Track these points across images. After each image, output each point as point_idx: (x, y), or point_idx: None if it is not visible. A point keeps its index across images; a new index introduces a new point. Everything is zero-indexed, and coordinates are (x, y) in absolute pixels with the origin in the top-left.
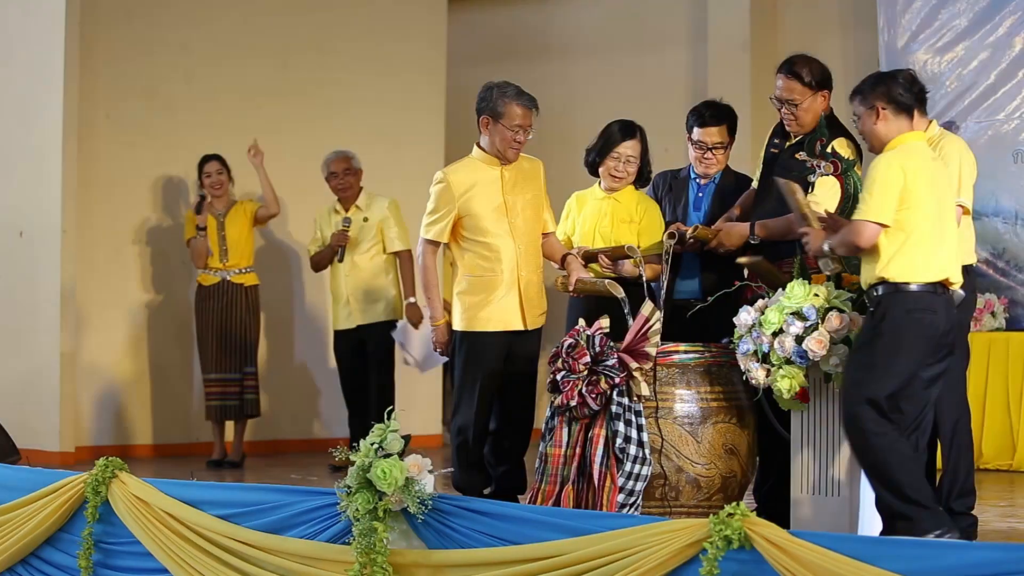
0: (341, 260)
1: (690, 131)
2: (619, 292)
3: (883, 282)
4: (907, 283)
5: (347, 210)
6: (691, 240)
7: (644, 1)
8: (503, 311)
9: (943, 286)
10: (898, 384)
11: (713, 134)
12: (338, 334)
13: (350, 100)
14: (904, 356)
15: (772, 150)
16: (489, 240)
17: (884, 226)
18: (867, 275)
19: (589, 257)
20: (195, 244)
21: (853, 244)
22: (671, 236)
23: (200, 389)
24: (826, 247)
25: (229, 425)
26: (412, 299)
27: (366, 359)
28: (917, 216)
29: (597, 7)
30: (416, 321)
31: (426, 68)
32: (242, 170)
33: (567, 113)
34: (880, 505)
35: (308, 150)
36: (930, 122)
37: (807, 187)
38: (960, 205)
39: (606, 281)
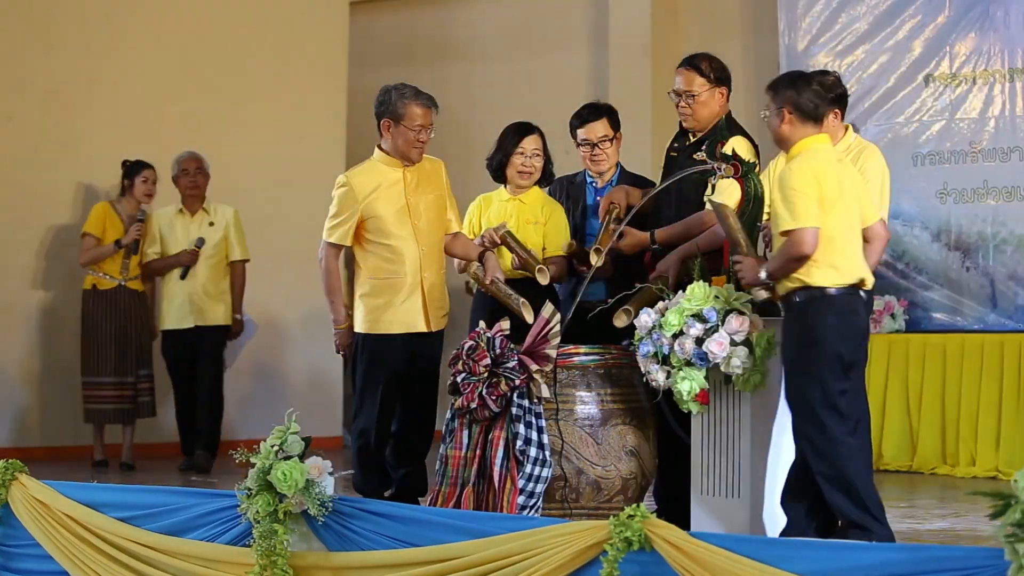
0: (184, 278)
1: (575, 134)
2: (528, 316)
3: (804, 288)
4: (828, 287)
5: (192, 213)
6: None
7: (544, 4)
8: (407, 313)
9: (859, 287)
10: (841, 387)
11: (596, 129)
12: (171, 334)
13: (251, 100)
14: (838, 359)
15: (672, 153)
16: (392, 242)
17: (817, 228)
18: (786, 281)
19: (505, 240)
20: (103, 251)
21: (798, 255)
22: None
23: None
24: (763, 275)
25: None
26: (239, 315)
27: (193, 360)
28: (831, 219)
29: (497, 10)
30: (239, 334)
31: (327, 69)
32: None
33: (468, 115)
34: (836, 511)
35: (209, 150)
36: (847, 128)
37: (705, 189)
38: (881, 220)
39: (521, 300)
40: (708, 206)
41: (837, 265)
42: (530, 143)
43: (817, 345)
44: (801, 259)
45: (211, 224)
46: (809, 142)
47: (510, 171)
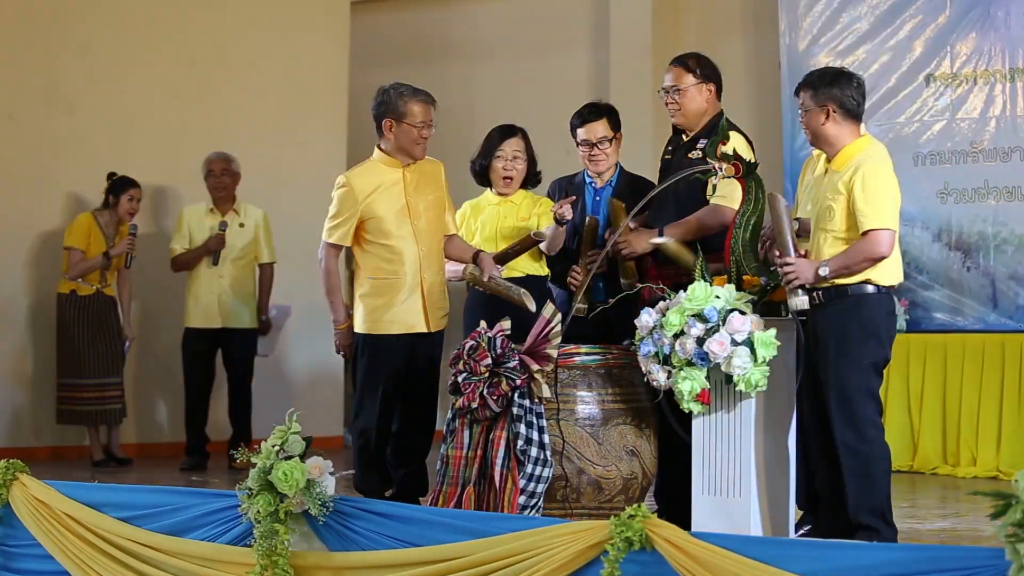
0: (216, 263)
1: (575, 133)
2: (531, 304)
3: (863, 282)
4: (882, 285)
5: (223, 213)
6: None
7: (545, 4)
8: (407, 314)
9: (894, 288)
10: (880, 381)
11: (596, 129)
12: (195, 332)
13: (253, 100)
14: (884, 357)
15: (667, 156)
16: (392, 243)
17: (895, 231)
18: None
19: (501, 259)
20: (92, 264)
21: (877, 255)
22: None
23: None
24: (823, 272)
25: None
26: (266, 315)
27: (214, 360)
28: (896, 219)
29: (498, 10)
30: (266, 333)
31: (329, 69)
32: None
33: (468, 115)
34: (850, 509)
35: (210, 150)
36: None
37: (704, 186)
38: None
39: (521, 291)
40: (712, 202)
41: (894, 266)
42: (510, 146)
43: (874, 338)
44: (878, 260)
45: (241, 226)
46: (864, 142)
47: (492, 175)
